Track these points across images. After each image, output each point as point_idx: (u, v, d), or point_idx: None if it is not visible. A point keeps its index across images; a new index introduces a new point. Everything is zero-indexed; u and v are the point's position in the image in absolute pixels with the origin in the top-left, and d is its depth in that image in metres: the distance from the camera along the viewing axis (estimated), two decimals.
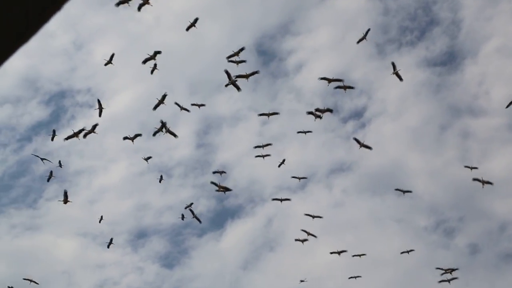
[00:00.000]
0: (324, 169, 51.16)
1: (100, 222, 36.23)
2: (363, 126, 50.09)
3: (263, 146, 32.26)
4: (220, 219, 52.18)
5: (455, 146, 51.04)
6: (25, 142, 51.68)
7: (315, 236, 34.45)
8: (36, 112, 52.46)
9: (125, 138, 30.81)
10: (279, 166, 34.12)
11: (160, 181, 37.15)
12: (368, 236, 48.79)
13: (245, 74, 28.25)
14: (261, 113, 31.06)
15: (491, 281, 46.32)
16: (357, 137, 31.86)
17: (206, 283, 49.92)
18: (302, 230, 34.40)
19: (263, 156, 32.31)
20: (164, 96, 29.34)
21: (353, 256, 35.19)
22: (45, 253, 48.60)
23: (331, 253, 34.92)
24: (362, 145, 31.05)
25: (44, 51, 54.36)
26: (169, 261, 51.16)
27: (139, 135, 30.82)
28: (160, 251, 50.51)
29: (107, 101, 52.47)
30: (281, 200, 34.99)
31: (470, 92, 52.17)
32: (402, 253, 35.24)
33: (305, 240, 34.40)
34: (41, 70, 55.01)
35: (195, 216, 34.63)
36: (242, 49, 28.56)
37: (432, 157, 52.33)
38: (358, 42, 30.37)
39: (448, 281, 34.21)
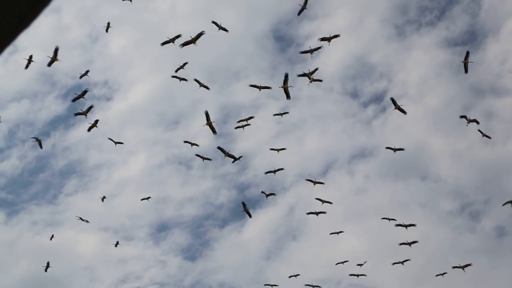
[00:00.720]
0: (346, 155, 50.42)
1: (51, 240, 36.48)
2: (384, 110, 49.14)
3: (246, 119, 32.94)
4: (242, 209, 51.59)
5: (478, 127, 49.84)
6: (43, 137, 51.46)
7: (330, 203, 34.18)
8: (54, 106, 52.30)
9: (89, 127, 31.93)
10: (233, 162, 33.78)
11: (102, 200, 37.76)
12: (392, 222, 47.99)
13: (190, 38, 27.79)
14: (252, 84, 30.70)
15: None
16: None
17: (229, 275, 49.60)
18: (316, 199, 34.17)
19: (243, 127, 32.93)
20: (84, 92, 30.65)
21: (331, 234, 35.99)
22: (67, 249, 48.56)
23: (308, 213, 35.20)
24: (398, 107, 30.91)
25: (60, 44, 53.95)
26: (191, 254, 50.92)
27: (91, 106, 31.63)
28: (182, 244, 50.27)
29: (124, 93, 52.16)
30: (274, 171, 34.35)
31: (492, 71, 50.95)
32: (382, 218, 35.00)
33: (321, 212, 34.33)
34: (58, 64, 54.58)
35: (245, 210, 34.29)
36: (178, 36, 28.35)
37: (455, 139, 51.33)
38: (298, 14, 29.91)
39: (409, 244, 33.85)
